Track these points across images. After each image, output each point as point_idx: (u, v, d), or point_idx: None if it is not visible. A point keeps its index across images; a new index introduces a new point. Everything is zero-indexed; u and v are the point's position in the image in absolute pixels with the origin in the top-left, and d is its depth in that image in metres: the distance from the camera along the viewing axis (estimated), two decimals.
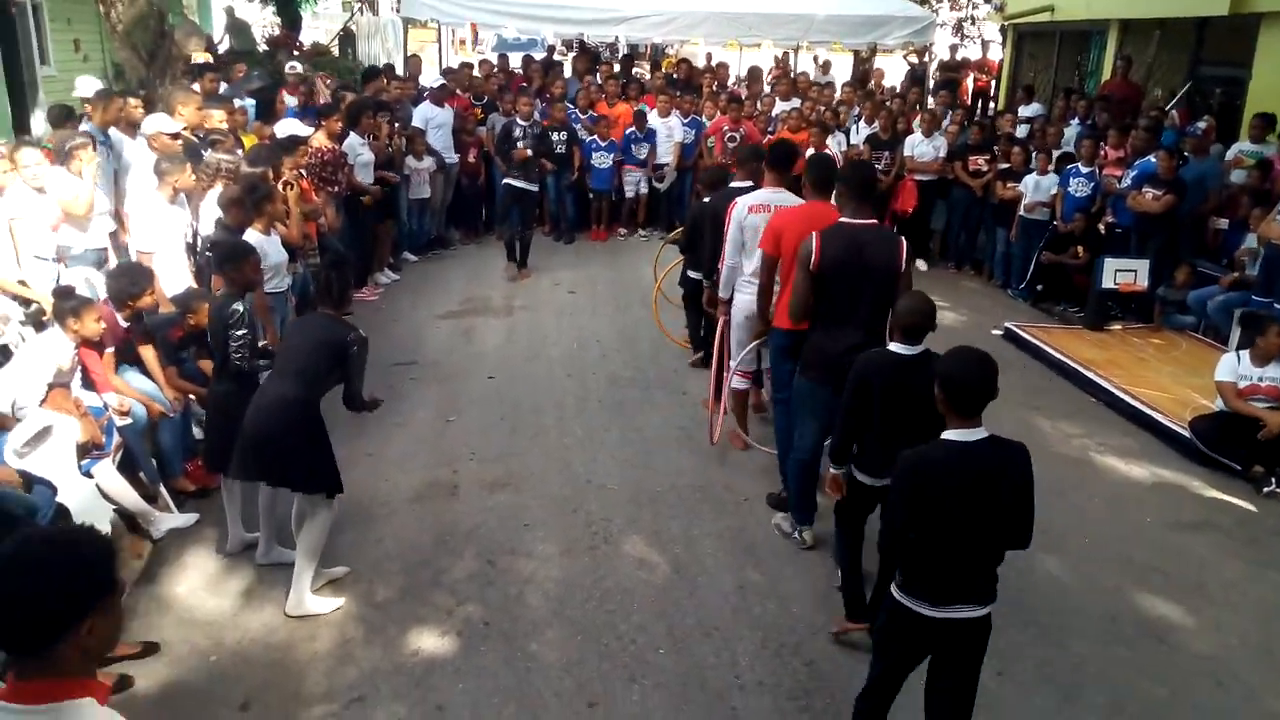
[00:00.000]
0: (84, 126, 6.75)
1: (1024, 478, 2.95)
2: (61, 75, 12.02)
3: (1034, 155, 9.53)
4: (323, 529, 4.22)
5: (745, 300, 5.45)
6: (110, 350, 5.02)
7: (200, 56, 10.14)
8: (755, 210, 5.35)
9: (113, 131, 6.87)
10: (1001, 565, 3.00)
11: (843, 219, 4.54)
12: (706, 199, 6.57)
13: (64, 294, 4.79)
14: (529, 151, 9.30)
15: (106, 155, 6.59)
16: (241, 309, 4.46)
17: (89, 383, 4.82)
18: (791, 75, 13.53)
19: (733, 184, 6.09)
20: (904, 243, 4.57)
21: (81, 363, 4.75)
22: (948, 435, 2.97)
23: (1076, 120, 10.67)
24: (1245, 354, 6.05)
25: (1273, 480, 5.66)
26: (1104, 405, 6.86)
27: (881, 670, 3.22)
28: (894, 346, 3.82)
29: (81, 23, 12.52)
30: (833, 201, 4.80)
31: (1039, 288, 9.30)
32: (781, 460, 5.12)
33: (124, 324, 5.09)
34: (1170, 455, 6.12)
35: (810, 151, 8.89)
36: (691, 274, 6.79)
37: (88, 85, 7.68)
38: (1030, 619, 4.35)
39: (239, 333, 4.43)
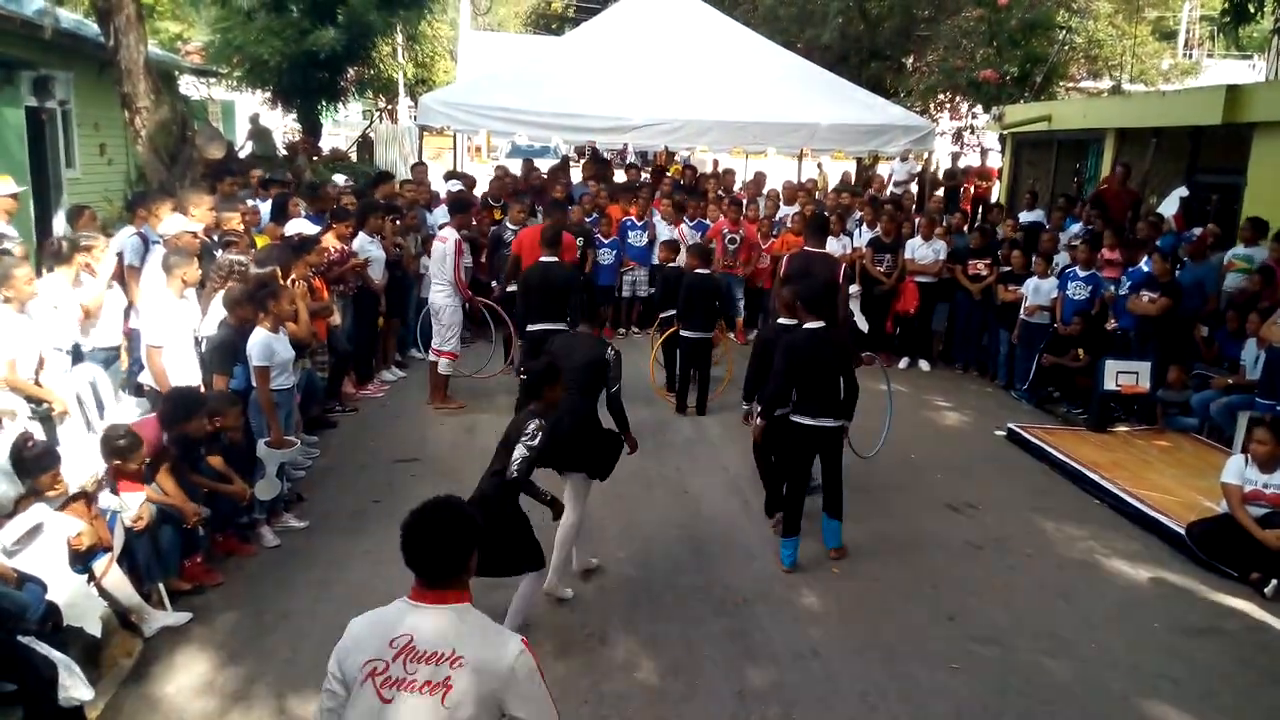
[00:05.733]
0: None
1: (843, 349, 5.67)
2: (85, 177, 12.41)
3: (1033, 259, 9.68)
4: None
5: (436, 298, 8.33)
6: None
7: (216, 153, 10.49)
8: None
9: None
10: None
11: (806, 246, 7.49)
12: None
13: (117, 437, 4.82)
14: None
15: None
16: None
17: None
18: (815, 190, 13.63)
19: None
20: (842, 263, 7.60)
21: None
22: (806, 326, 5.63)
23: (1079, 224, 10.83)
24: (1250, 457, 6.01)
25: (1274, 581, 5.57)
26: (1108, 507, 6.79)
27: (791, 468, 5.76)
28: (789, 320, 6.09)
29: (108, 128, 12.96)
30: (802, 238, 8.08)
31: (1056, 393, 9.31)
32: None
33: (166, 443, 5.12)
34: (1177, 559, 6.03)
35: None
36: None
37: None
38: None
39: None
